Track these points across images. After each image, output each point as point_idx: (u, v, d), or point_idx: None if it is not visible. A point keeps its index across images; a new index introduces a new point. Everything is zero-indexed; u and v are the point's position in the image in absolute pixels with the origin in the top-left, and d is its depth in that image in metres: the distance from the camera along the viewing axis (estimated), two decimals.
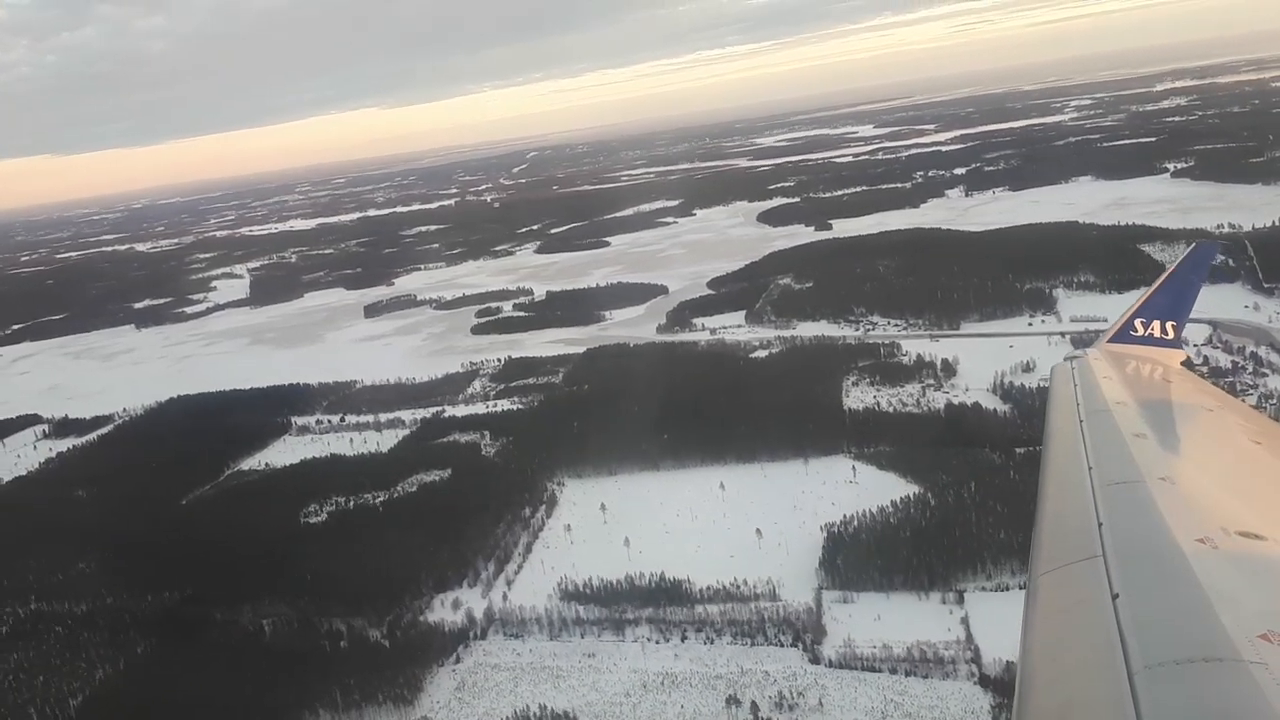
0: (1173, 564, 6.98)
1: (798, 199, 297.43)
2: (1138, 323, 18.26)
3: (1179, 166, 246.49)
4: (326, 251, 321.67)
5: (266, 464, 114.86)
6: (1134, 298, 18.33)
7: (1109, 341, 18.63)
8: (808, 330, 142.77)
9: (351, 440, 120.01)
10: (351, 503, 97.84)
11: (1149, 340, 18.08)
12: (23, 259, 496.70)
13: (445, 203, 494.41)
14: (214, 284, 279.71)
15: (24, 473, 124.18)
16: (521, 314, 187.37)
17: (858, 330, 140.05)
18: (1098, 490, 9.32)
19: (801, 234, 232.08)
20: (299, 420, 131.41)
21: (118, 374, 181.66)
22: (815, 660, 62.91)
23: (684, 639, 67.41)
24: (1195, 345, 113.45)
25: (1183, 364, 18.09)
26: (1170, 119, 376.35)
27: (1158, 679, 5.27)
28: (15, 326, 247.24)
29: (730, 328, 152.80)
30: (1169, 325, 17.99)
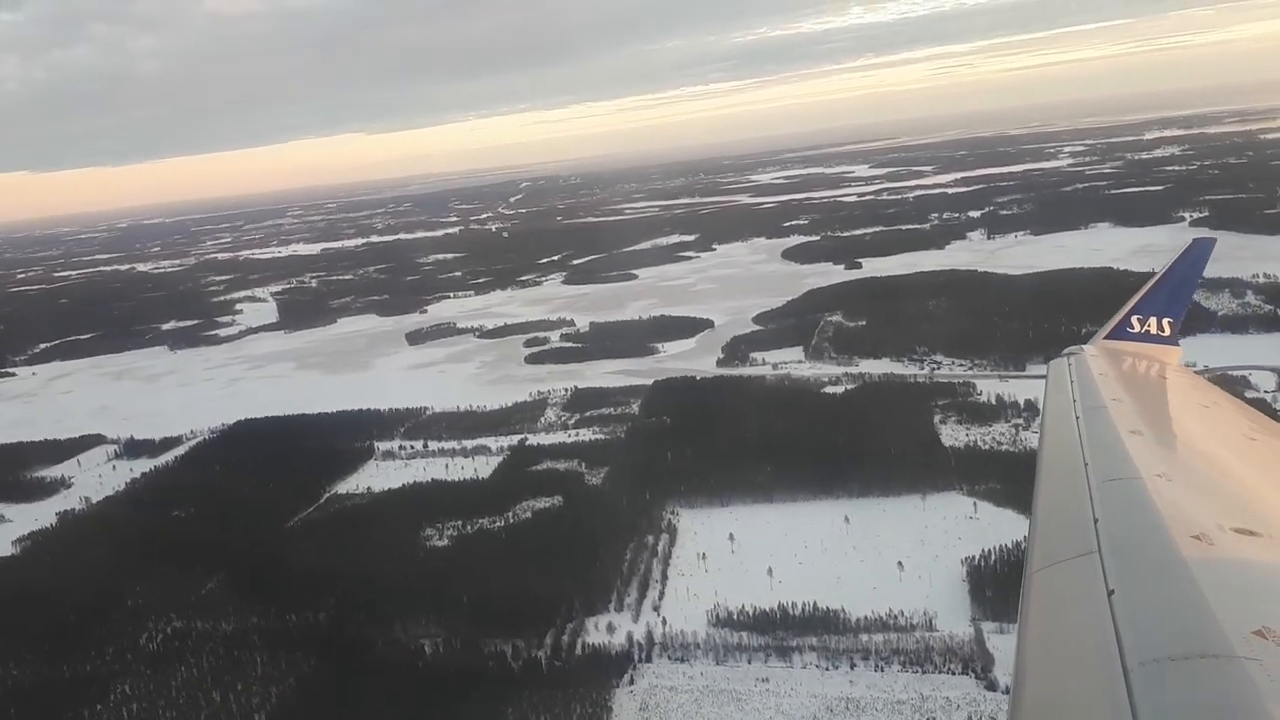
0: (1168, 560, 7.03)
1: (817, 237, 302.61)
2: (1134, 320, 18.23)
3: (1195, 216, 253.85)
4: (346, 277, 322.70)
5: (368, 488, 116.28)
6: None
7: (1105, 338, 18.55)
8: (872, 367, 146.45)
9: (447, 466, 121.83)
10: (469, 527, 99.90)
11: (1146, 337, 18.02)
12: (18, 276, 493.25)
13: (449, 230, 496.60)
14: (239, 307, 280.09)
15: (111, 492, 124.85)
16: (571, 344, 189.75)
17: (923, 369, 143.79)
18: (1094, 487, 9.33)
19: (833, 272, 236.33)
20: (381, 445, 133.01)
21: (168, 396, 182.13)
22: (991, 688, 65.76)
23: (853, 666, 70.04)
24: (1268, 391, 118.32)
25: (1179, 361, 17.99)
26: (1170, 168, 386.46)
27: (1153, 675, 5.36)
28: (43, 346, 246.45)
29: (791, 363, 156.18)
30: (1165, 322, 17.97)
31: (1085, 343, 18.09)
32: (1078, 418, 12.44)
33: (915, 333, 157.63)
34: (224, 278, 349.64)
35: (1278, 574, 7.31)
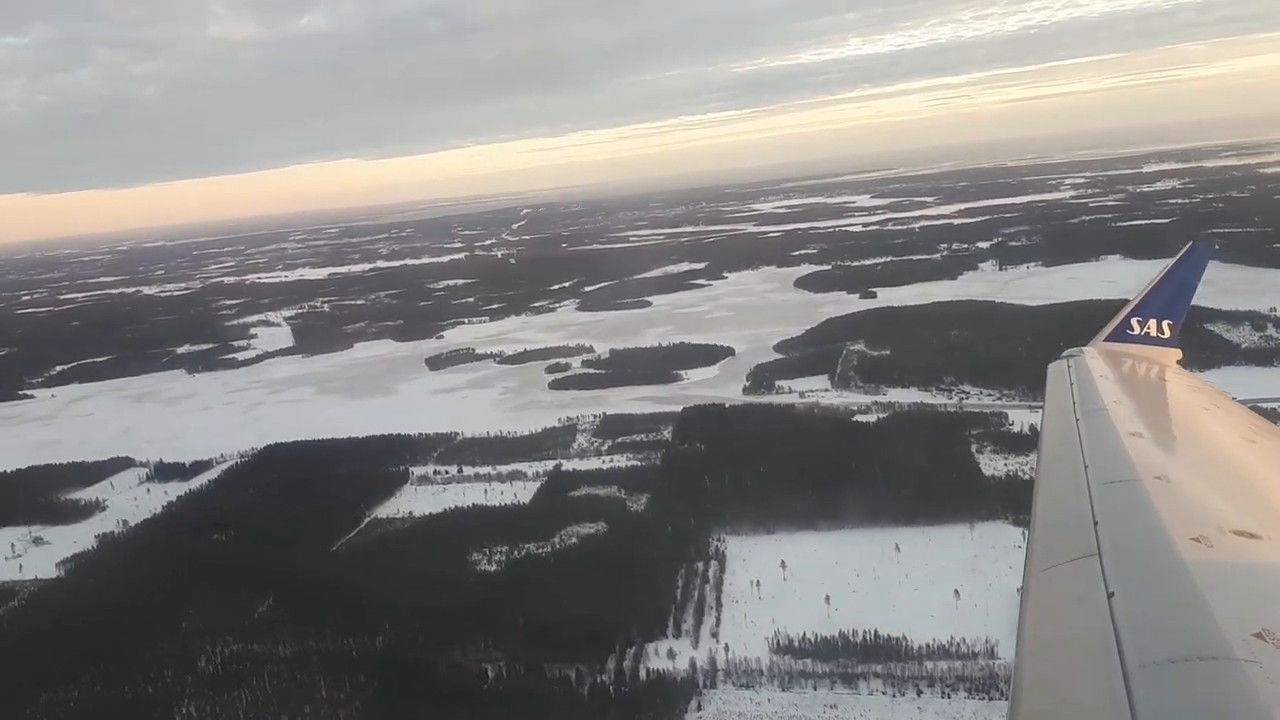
0: (1168, 563, 7.03)
1: (828, 266, 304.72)
2: (1134, 321, 18.19)
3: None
4: (358, 302, 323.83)
5: (409, 512, 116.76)
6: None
7: (1105, 340, 18.48)
8: (900, 397, 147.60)
9: (485, 491, 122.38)
10: (517, 552, 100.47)
11: (1145, 339, 18.01)
12: (23, 298, 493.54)
13: (455, 256, 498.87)
14: (253, 331, 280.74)
15: (149, 515, 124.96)
16: (593, 371, 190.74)
17: (951, 398, 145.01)
18: (1093, 489, 9.32)
19: (848, 301, 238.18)
20: (416, 470, 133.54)
21: (190, 420, 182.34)
22: None
23: (919, 693, 70.71)
24: None
25: (1178, 363, 18.11)
26: (1173, 201, 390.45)
27: (1153, 677, 5.36)
28: (59, 368, 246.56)
29: (817, 391, 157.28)
30: (1165, 324, 17.97)
31: (1085, 345, 18.16)
32: (1077, 419, 12.51)
33: (940, 362, 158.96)
34: (235, 302, 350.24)
35: (1278, 576, 7.35)
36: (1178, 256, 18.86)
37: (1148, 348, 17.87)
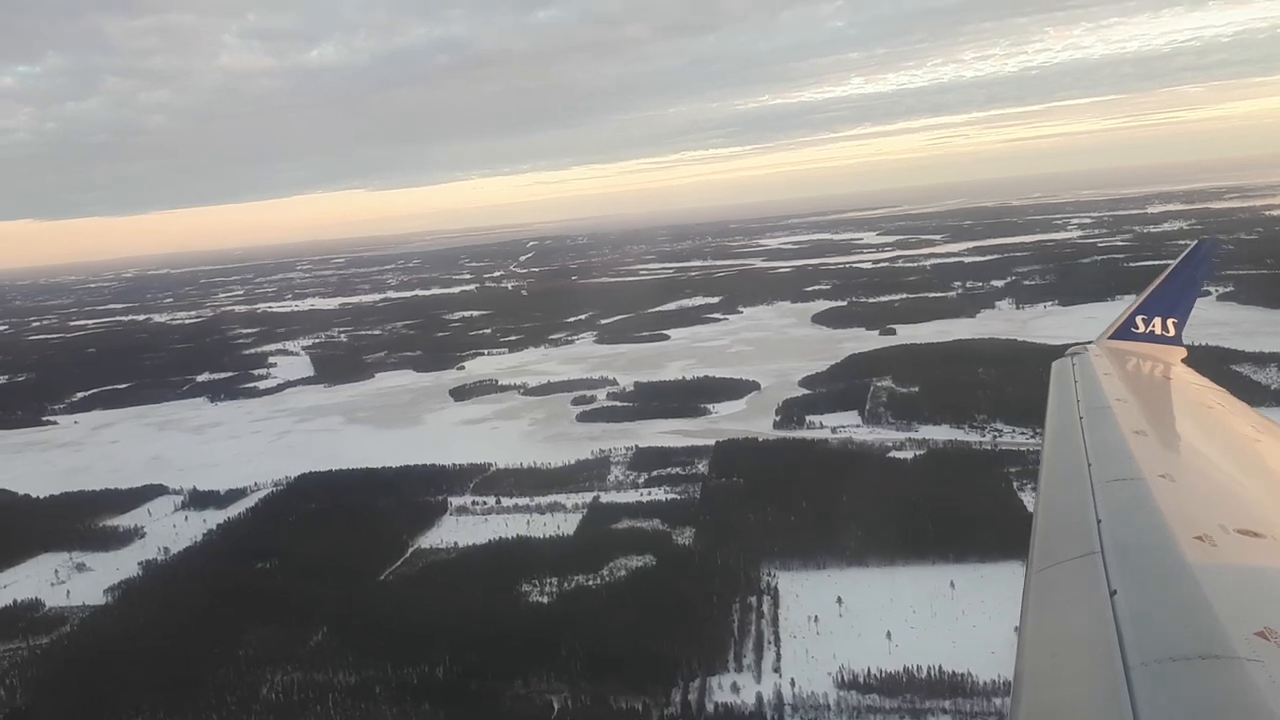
0: (1171, 561, 7.02)
1: (844, 302, 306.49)
2: (1139, 320, 18.22)
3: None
4: (375, 333, 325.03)
5: (454, 543, 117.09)
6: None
7: (1110, 338, 18.60)
8: (932, 434, 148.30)
9: (528, 522, 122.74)
10: (567, 584, 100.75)
11: (1150, 338, 17.98)
12: (33, 324, 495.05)
13: (466, 288, 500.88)
14: (272, 360, 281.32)
15: (190, 543, 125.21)
16: (620, 404, 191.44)
17: (984, 436, 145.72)
18: (1097, 487, 9.32)
19: (867, 337, 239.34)
20: (454, 501, 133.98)
21: (220, 448, 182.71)
22: None
23: None
24: None
25: (1183, 361, 17.98)
26: (1180, 241, 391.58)
27: (1154, 675, 5.37)
28: (80, 395, 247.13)
29: (849, 427, 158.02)
30: (1170, 322, 17.93)
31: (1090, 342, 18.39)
32: (1081, 418, 12.54)
33: (971, 400, 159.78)
34: (250, 331, 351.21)
35: None
36: (1183, 254, 19.08)
37: (1152, 346, 17.96)
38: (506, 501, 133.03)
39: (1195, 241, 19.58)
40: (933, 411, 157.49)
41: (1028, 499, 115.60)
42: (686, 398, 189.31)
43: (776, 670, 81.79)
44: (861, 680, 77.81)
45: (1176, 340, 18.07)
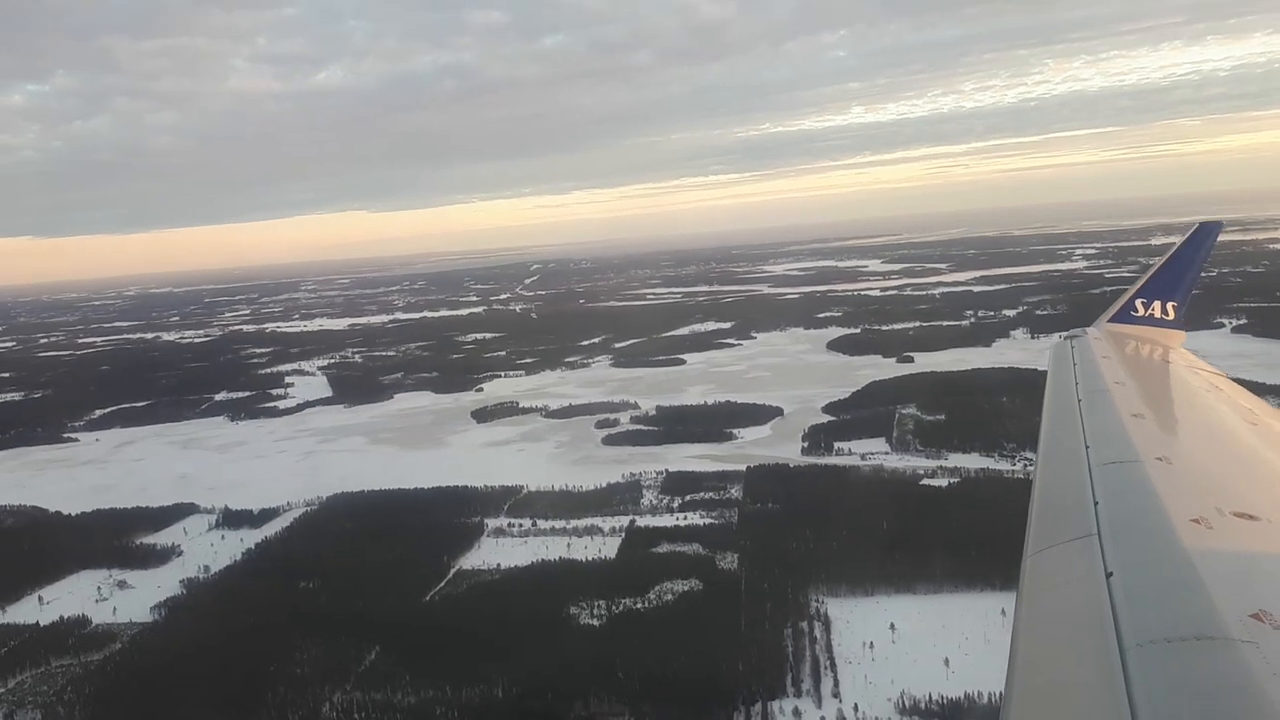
0: (1167, 543, 7.04)
1: (857, 329, 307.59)
2: (1139, 303, 18.23)
3: (1235, 323, 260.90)
4: (389, 354, 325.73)
5: (496, 564, 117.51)
6: None
7: (1109, 321, 18.74)
8: (962, 462, 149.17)
9: (568, 545, 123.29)
10: (614, 607, 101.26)
11: (1150, 321, 17.97)
12: (41, 340, 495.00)
13: (474, 310, 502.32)
14: (289, 380, 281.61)
15: (230, 561, 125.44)
16: (644, 428, 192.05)
17: (1015, 465, 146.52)
18: (1094, 470, 9.30)
19: (885, 365, 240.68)
20: (490, 522, 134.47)
21: (245, 467, 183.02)
22: None
23: None
24: None
25: (1182, 345, 17.93)
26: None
27: (1149, 656, 5.39)
28: (98, 412, 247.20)
29: (877, 454, 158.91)
30: (1170, 306, 17.86)
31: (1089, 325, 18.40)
32: (1079, 400, 12.60)
33: (999, 429, 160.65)
34: (264, 350, 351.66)
35: (1276, 558, 7.31)
36: (1185, 237, 18.98)
37: (1152, 329, 17.97)
38: (543, 524, 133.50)
39: (1197, 224, 19.57)
40: (961, 440, 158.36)
41: None
42: (711, 422, 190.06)
43: (836, 695, 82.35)
44: (923, 706, 78.39)
45: (1176, 324, 18.05)
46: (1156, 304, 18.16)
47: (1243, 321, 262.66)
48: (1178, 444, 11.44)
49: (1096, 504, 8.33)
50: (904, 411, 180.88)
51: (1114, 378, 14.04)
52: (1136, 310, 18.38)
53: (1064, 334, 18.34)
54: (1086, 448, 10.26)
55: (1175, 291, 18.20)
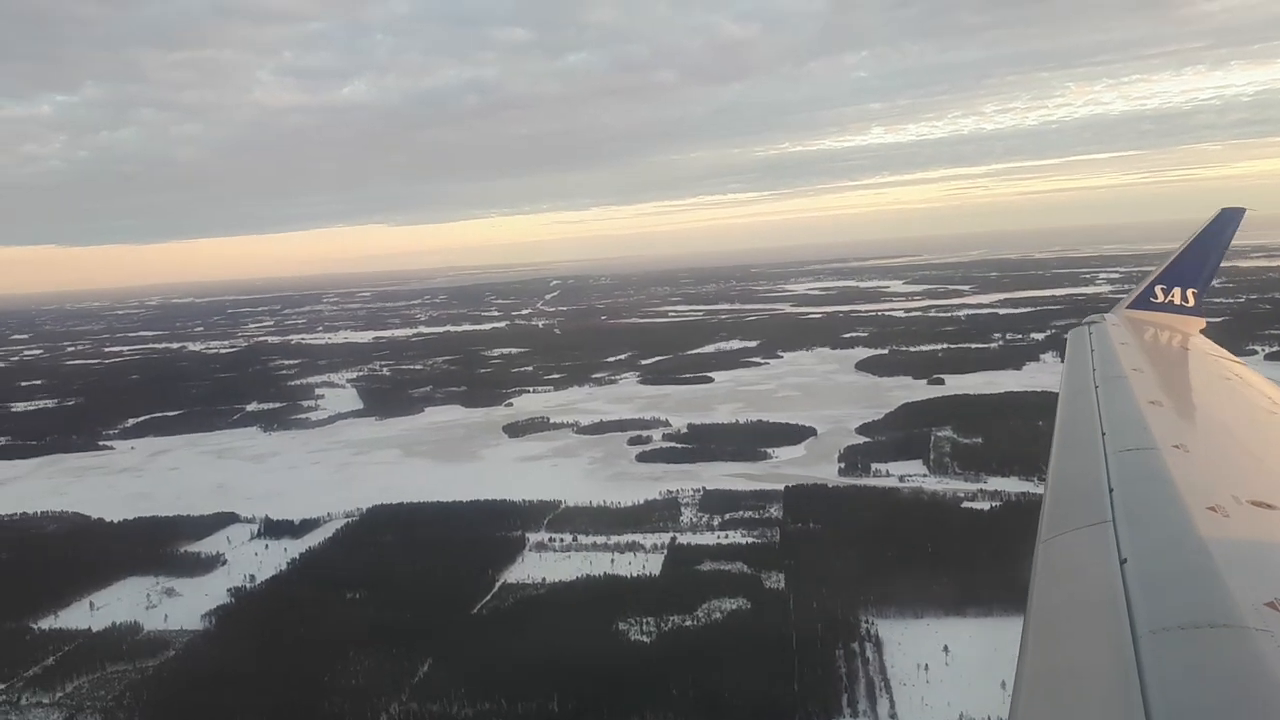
0: (1182, 531, 6.98)
1: (884, 350, 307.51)
2: (1158, 289, 18.43)
3: (1268, 350, 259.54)
4: (416, 367, 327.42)
5: (542, 579, 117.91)
6: None
7: (1128, 308, 18.99)
8: (1003, 485, 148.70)
9: (612, 560, 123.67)
10: (663, 624, 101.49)
11: (1169, 307, 18.09)
12: (67, 348, 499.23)
13: (496, 325, 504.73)
14: (319, 392, 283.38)
15: (275, 571, 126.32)
16: (677, 445, 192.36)
17: None
18: (1110, 456, 9.29)
19: (915, 386, 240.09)
20: (531, 537, 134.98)
21: (281, 477, 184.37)
22: None
23: None
24: None
25: (1201, 332, 17.81)
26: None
27: (1162, 643, 5.34)
28: (131, 421, 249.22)
29: (915, 476, 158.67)
30: (1189, 293, 17.98)
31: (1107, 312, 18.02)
32: (1096, 386, 12.54)
33: (1036, 453, 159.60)
34: (292, 362, 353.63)
35: None
36: (1205, 224, 18.82)
37: (1171, 316, 18.04)
38: (584, 539, 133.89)
39: (1219, 210, 19.34)
40: (1000, 463, 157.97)
41: None
42: (744, 441, 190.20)
43: (893, 717, 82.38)
44: None
45: (1196, 311, 18.08)
46: (1176, 291, 18.24)
47: (1275, 349, 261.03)
48: (1195, 432, 11.35)
49: (1112, 491, 8.29)
50: (940, 434, 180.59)
51: (1132, 364, 13.93)
52: (1156, 297, 18.48)
53: (1083, 320, 18.43)
54: (1103, 434, 10.29)
55: (1195, 279, 18.24)
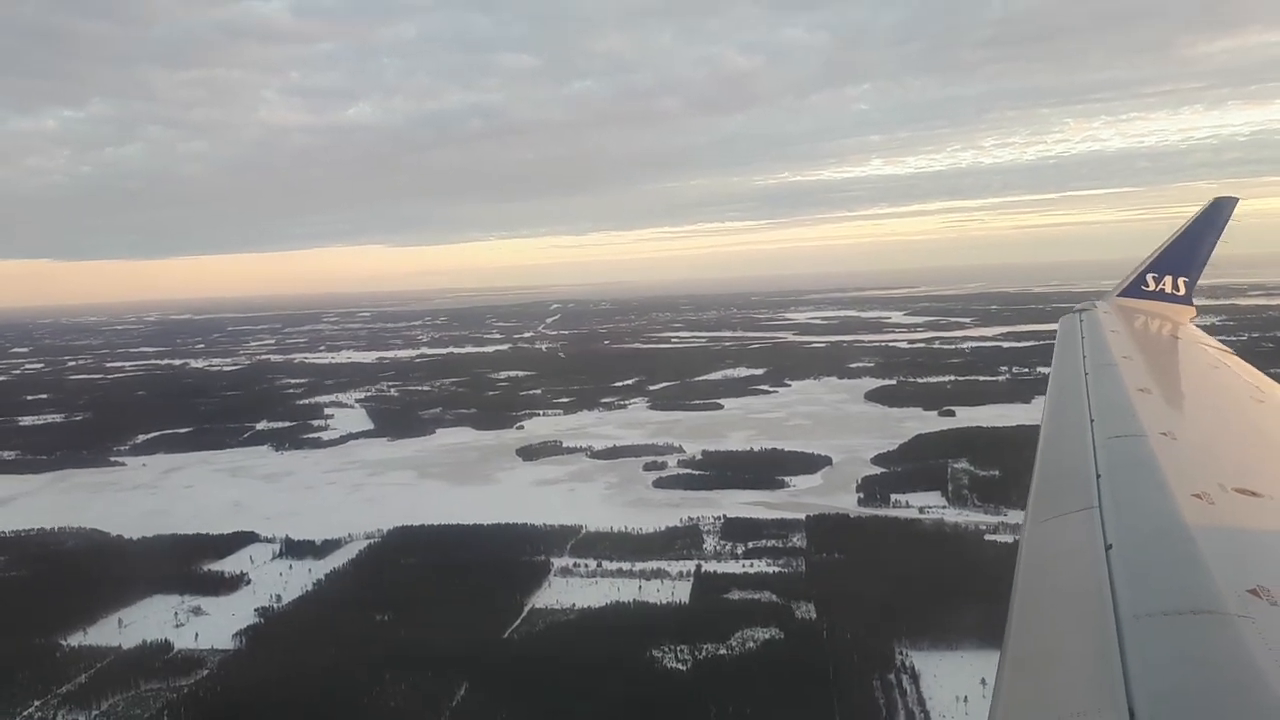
0: (1168, 518, 7.01)
1: (892, 381, 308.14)
2: (1149, 278, 18.36)
3: None
4: (424, 388, 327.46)
5: (571, 604, 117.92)
6: None
7: (1119, 295, 18.98)
8: (1022, 519, 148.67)
9: (640, 587, 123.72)
10: (698, 653, 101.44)
11: (1160, 296, 18.17)
12: (69, 363, 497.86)
13: (499, 347, 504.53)
14: (328, 411, 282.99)
15: (301, 592, 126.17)
16: (693, 472, 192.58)
17: None
18: (1098, 443, 9.27)
19: (927, 418, 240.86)
20: (556, 562, 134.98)
21: (296, 497, 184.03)
22: None
23: None
24: None
25: (1191, 321, 18.06)
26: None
27: (1145, 629, 5.38)
28: (141, 437, 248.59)
29: (934, 508, 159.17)
30: (1180, 281, 18.07)
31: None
32: (1086, 374, 12.56)
33: None
34: (298, 381, 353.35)
35: (1277, 535, 7.33)
36: (1198, 212, 18.83)
37: (1162, 304, 18.13)
38: (608, 565, 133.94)
39: (1212, 200, 19.43)
40: (1019, 497, 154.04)
41: None
42: (760, 469, 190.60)
43: None
44: None
45: (1187, 299, 18.25)
46: (1168, 279, 18.28)
47: (1234, 202, 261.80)
48: (1183, 419, 11.41)
49: (1099, 477, 8.31)
50: (956, 466, 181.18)
51: (1121, 352, 13.98)
52: (1147, 285, 18.52)
53: (1074, 308, 18.42)
54: (1091, 421, 10.26)
55: (1187, 267, 18.31)
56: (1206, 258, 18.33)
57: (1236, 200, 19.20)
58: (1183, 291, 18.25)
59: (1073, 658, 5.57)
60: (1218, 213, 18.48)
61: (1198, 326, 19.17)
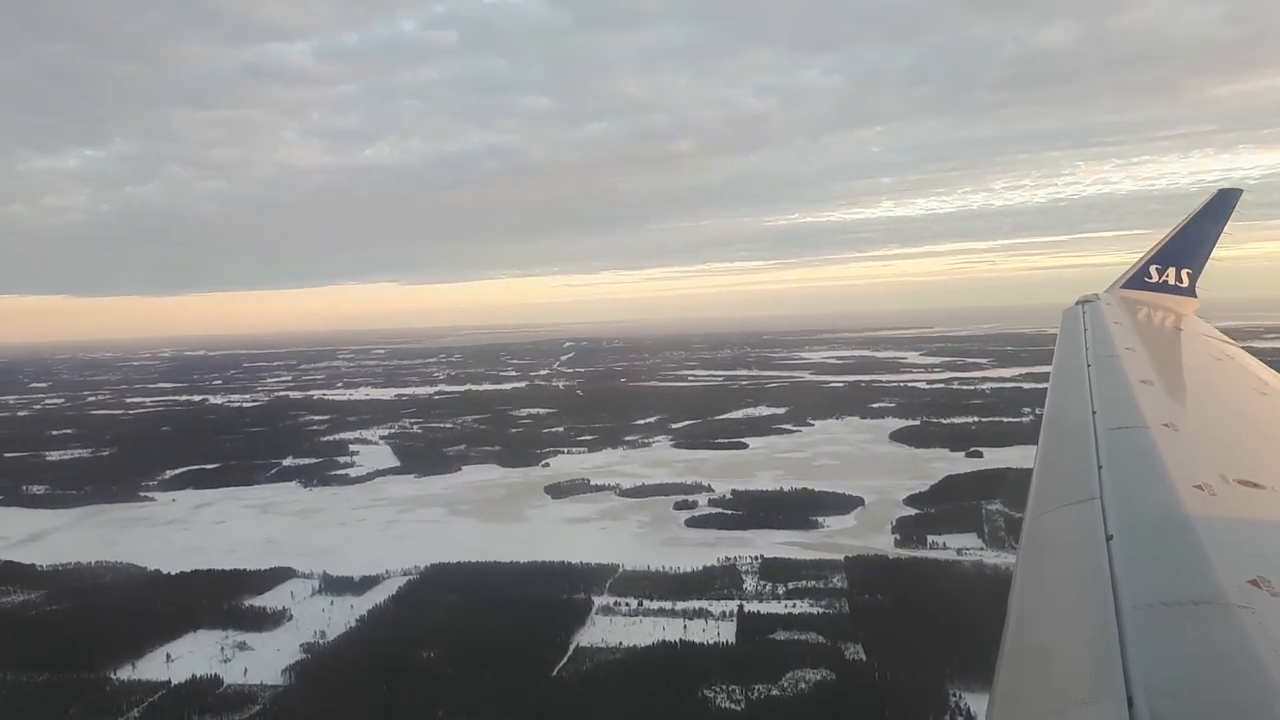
0: (1169, 509, 7.01)
1: (916, 421, 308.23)
2: (1152, 269, 18.44)
3: None
4: (446, 425, 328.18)
5: (619, 643, 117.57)
6: None
7: (1123, 287, 18.84)
8: None
9: (685, 626, 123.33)
10: (750, 694, 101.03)
11: (1163, 287, 18.26)
12: (89, 398, 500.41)
13: (517, 385, 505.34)
14: (353, 448, 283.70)
15: (345, 628, 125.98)
16: (725, 511, 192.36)
17: None
18: (1100, 435, 9.24)
19: (954, 459, 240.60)
20: (597, 600, 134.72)
21: (329, 534, 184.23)
22: None
23: None
24: None
25: (1195, 312, 18.03)
26: None
27: (1145, 619, 5.38)
28: (169, 473, 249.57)
29: (971, 549, 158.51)
30: (1184, 273, 18.14)
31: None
32: (1089, 365, 12.54)
33: None
34: (321, 418, 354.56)
35: (1277, 526, 7.33)
36: (1202, 204, 18.87)
37: (1165, 296, 18.18)
38: (649, 604, 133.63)
39: (1216, 191, 19.61)
40: None
41: None
42: (792, 509, 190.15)
43: None
44: None
45: (1190, 291, 18.29)
46: (1171, 271, 18.41)
47: (1239, 194, 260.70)
48: (1185, 411, 11.43)
49: (1101, 468, 8.33)
50: (990, 508, 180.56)
51: (1124, 343, 13.98)
52: (1150, 276, 18.58)
53: (1078, 300, 18.39)
54: (1094, 413, 10.29)
55: (1190, 259, 18.38)
56: (1210, 250, 18.42)
57: (1240, 192, 19.38)
58: (1186, 283, 18.33)
59: (1073, 647, 5.60)
60: (1221, 205, 18.68)
61: (1200, 318, 19.38)
